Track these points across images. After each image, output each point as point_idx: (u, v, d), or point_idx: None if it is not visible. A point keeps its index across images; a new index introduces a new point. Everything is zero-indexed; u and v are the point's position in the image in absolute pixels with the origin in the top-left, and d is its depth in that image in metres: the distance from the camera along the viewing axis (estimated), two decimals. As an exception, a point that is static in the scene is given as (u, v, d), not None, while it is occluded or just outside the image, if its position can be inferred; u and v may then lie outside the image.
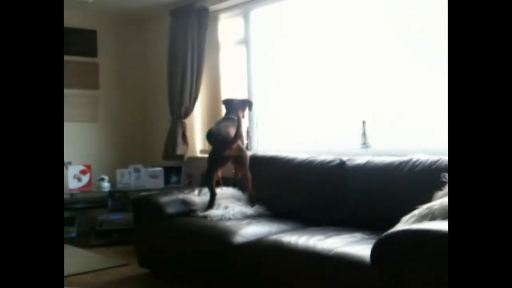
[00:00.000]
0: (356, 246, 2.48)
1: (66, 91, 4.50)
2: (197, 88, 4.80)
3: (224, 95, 4.57)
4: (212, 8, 4.72)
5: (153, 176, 4.98)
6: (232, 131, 3.57)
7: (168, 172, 5.05)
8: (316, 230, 2.88)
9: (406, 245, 2.03)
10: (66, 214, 4.70)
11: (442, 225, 1.98)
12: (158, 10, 5.22)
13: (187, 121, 4.94)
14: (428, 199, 2.44)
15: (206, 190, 3.67)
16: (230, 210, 3.44)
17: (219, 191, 3.66)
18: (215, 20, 4.81)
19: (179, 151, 4.88)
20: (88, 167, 5.04)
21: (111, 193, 4.99)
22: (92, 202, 5.06)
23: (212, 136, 3.67)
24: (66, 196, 4.81)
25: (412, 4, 3.49)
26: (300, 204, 3.46)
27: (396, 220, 2.39)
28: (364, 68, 3.75)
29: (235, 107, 3.83)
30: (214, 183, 3.60)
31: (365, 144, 3.69)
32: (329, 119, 4.02)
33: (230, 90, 4.70)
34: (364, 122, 3.68)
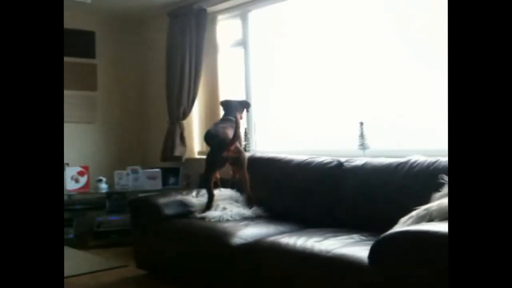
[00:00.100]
0: (354, 247, 2.48)
1: (64, 92, 4.48)
2: (195, 90, 4.79)
3: (222, 97, 4.57)
4: (210, 9, 4.71)
5: (151, 177, 4.97)
6: (230, 133, 3.57)
7: (166, 173, 5.05)
8: (314, 232, 2.88)
9: (404, 247, 2.03)
10: (64, 215, 4.68)
11: (440, 227, 1.98)
12: (156, 12, 5.22)
13: (185, 122, 4.93)
14: (426, 200, 2.44)
15: (204, 192, 3.67)
16: (228, 211, 3.44)
17: (217, 192, 3.66)
18: (213, 21, 4.81)
19: (177, 152, 4.88)
20: (86, 168, 5.03)
21: (108, 195, 4.98)
22: (90, 203, 5.05)
23: (210, 137, 3.67)
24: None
25: (412, 4, 3.48)
26: (298, 205, 3.45)
27: (394, 222, 2.39)
28: (362, 68, 3.75)
29: (233, 108, 3.83)
30: (212, 184, 3.60)
31: (363, 145, 3.69)
32: (327, 120, 4.02)
33: (228, 91, 4.70)
34: (362, 123, 3.68)
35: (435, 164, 2.82)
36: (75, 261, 4.12)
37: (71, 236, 4.78)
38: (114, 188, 5.00)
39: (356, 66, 3.79)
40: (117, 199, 4.99)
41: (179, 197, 3.70)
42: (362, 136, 3.70)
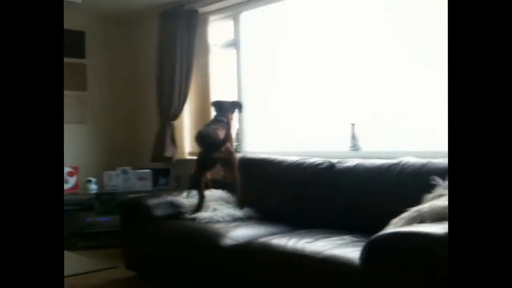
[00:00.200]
0: (346, 248, 2.48)
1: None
2: (186, 90, 4.78)
3: (214, 97, 4.55)
4: (201, 10, 4.70)
5: (141, 178, 4.95)
6: (221, 134, 3.56)
7: (157, 174, 5.02)
8: (305, 233, 2.87)
9: (395, 248, 2.03)
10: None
11: (431, 228, 1.99)
12: (147, 12, 5.19)
13: (176, 123, 4.91)
14: (417, 202, 2.45)
15: (194, 193, 3.65)
16: (219, 212, 3.42)
17: (207, 193, 3.65)
18: (205, 22, 4.79)
19: (168, 153, 4.86)
20: (75, 168, 4.99)
21: (98, 195, 4.94)
22: (79, 204, 5.00)
23: (201, 138, 3.65)
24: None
25: (412, 4, 3.48)
26: (289, 206, 3.45)
27: (386, 223, 2.39)
28: (355, 69, 3.75)
29: (225, 109, 3.83)
30: (202, 185, 3.59)
31: (354, 147, 3.70)
32: (319, 121, 4.02)
33: (220, 92, 4.69)
34: (353, 125, 3.69)
35: (427, 166, 2.83)
36: (64, 262, 4.07)
37: (60, 237, 4.73)
38: (104, 189, 4.97)
39: (348, 67, 3.79)
40: (106, 200, 4.94)
41: (169, 198, 3.68)
42: (354, 137, 3.70)
